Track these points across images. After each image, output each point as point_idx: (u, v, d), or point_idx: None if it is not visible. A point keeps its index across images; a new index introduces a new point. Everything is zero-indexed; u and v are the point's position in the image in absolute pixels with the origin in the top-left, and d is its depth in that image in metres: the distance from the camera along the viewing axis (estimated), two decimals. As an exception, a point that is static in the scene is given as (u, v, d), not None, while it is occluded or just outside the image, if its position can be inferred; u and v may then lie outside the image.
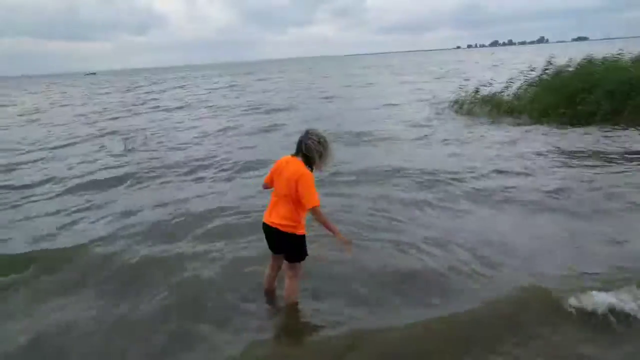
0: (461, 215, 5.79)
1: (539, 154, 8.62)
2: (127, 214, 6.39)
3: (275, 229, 3.52)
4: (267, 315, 3.83)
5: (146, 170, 8.87)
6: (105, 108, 23.07)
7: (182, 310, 3.86)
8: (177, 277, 4.36)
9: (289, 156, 3.58)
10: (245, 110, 18.42)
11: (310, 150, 3.44)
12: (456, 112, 14.22)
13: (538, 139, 9.92)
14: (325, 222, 3.44)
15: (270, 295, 3.98)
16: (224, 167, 8.98)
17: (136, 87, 45.29)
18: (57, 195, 7.58)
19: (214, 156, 9.92)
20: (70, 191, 7.77)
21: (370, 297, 3.96)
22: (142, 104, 24.26)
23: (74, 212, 6.63)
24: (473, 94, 14.37)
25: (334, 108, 17.18)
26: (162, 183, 8.06)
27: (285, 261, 3.70)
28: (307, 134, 3.50)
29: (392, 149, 10.01)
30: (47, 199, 7.43)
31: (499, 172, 7.57)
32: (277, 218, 3.52)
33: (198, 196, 7.06)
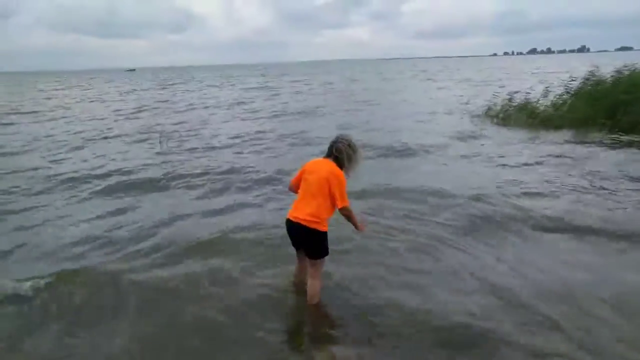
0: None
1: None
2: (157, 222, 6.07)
3: (299, 224, 3.61)
4: (291, 314, 3.90)
5: (177, 174, 8.68)
6: (143, 105, 23.69)
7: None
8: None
9: (320, 158, 3.78)
10: (277, 113, 18.36)
11: (341, 152, 3.64)
12: (491, 121, 13.97)
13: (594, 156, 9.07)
14: (353, 218, 3.70)
15: (299, 286, 4.07)
16: (256, 176, 8.41)
17: (173, 84, 46.77)
18: (83, 200, 7.35)
19: (249, 165, 9.31)
20: (102, 192, 7.65)
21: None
22: (179, 102, 24.86)
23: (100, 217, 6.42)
24: (508, 102, 14.16)
25: (366, 115, 16.67)
26: (191, 188, 7.83)
27: (308, 259, 3.80)
28: (338, 139, 3.72)
29: (428, 165, 9.06)
30: (77, 200, 7.29)
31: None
32: (302, 214, 3.62)
33: (235, 207, 6.64)
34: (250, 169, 8.95)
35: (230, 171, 8.84)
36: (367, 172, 7.28)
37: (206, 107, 21.37)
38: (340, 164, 3.65)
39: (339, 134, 3.83)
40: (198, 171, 8.84)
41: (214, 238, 5.34)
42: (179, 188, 7.85)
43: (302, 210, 3.63)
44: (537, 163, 8.77)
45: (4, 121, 17.79)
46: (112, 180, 8.34)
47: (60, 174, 8.84)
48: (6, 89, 46.56)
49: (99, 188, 7.86)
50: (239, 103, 23.54)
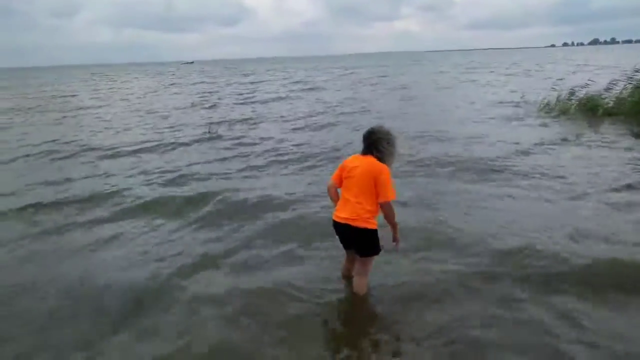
0: None
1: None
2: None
3: (346, 224, 3.56)
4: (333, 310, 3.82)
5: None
6: (205, 98, 24.48)
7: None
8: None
9: (359, 155, 3.66)
10: (336, 106, 18.23)
11: (381, 152, 3.54)
12: (552, 116, 13.54)
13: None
14: (393, 219, 3.57)
15: (347, 280, 4.05)
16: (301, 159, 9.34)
17: (229, 76, 48.39)
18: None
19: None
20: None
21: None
22: (238, 94, 25.68)
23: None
24: (569, 96, 13.89)
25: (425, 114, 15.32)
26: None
27: (357, 257, 3.77)
28: (376, 133, 3.57)
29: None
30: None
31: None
32: (347, 213, 3.56)
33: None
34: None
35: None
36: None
37: (264, 102, 22.10)
38: (381, 159, 3.54)
39: (374, 125, 3.68)
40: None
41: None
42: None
43: (348, 210, 3.57)
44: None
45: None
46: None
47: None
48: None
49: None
50: (295, 96, 24.07)
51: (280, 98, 22.63)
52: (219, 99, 23.55)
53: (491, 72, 38.02)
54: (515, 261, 4.43)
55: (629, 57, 42.29)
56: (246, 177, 8.16)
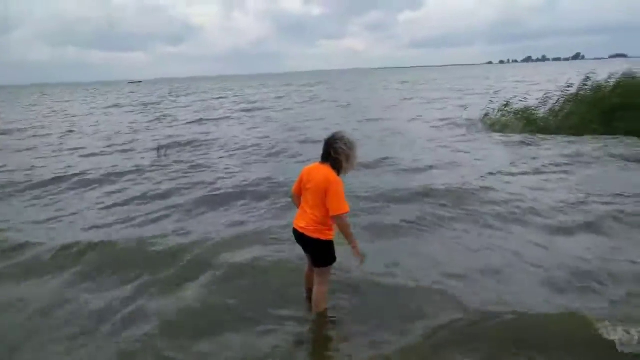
0: None
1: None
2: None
3: (302, 233, 3.60)
4: (294, 323, 3.84)
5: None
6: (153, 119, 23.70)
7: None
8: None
9: (317, 163, 3.63)
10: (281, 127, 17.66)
11: (339, 154, 3.47)
12: (490, 128, 14.07)
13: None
14: (348, 232, 3.48)
15: (309, 292, 3.99)
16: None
17: (176, 96, 46.97)
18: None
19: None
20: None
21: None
22: (180, 116, 24.76)
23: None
24: (505, 109, 14.34)
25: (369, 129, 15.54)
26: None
27: (313, 267, 3.76)
28: (335, 138, 3.52)
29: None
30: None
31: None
32: (304, 222, 3.60)
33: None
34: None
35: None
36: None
37: (204, 123, 21.38)
38: (338, 165, 3.50)
39: (334, 132, 3.61)
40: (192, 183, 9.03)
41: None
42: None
43: (304, 219, 3.61)
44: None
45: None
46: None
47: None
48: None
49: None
50: (240, 115, 23.70)
51: (224, 118, 21.90)
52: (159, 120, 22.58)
53: (435, 89, 39.25)
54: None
55: (559, 74, 45.13)
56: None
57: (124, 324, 3.88)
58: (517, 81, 42.29)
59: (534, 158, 9.60)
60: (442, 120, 16.54)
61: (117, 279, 4.71)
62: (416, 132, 14.21)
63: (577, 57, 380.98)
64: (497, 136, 12.62)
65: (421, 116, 18.13)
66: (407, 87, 44.83)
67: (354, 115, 19.74)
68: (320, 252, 3.62)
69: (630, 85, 12.11)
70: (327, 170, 3.48)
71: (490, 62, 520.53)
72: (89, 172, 9.99)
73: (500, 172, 8.47)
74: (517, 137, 11.95)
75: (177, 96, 45.68)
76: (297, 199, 3.82)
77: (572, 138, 11.22)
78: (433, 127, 15.24)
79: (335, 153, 3.47)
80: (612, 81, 12.71)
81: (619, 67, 13.67)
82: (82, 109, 32.35)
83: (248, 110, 24.98)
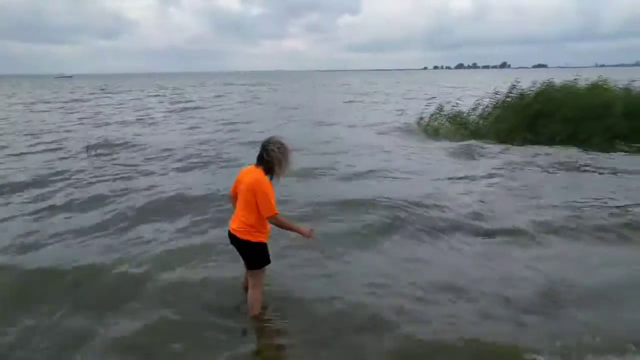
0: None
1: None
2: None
3: (234, 235, 3.65)
4: (230, 327, 3.81)
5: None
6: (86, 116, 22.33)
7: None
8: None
9: (250, 166, 3.69)
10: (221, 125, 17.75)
11: (271, 157, 3.53)
12: (425, 131, 14.64)
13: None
14: (287, 226, 3.60)
15: (246, 295, 3.97)
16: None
17: (109, 93, 44.57)
18: None
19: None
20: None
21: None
22: (119, 114, 23.59)
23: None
24: (439, 113, 14.94)
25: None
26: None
27: (246, 268, 3.79)
28: (269, 142, 3.59)
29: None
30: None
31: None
32: (235, 224, 3.66)
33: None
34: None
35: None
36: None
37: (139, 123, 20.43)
38: (271, 169, 3.57)
39: (270, 137, 3.69)
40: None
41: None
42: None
43: (236, 221, 3.67)
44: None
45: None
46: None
47: None
48: None
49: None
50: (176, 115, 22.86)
51: (159, 118, 21.03)
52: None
53: (375, 92, 40.16)
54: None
55: (489, 81, 47.73)
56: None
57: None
58: (452, 87, 44.29)
59: (469, 163, 10.10)
60: (380, 124, 16.87)
61: (35, 308, 4.13)
62: (355, 137, 14.37)
63: (504, 65, 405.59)
64: (431, 141, 13.14)
65: (362, 120, 18.35)
66: (347, 90, 45.46)
67: (293, 118, 19.74)
68: (250, 254, 3.66)
69: (549, 94, 13.03)
70: (257, 173, 3.55)
71: (425, 68, 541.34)
72: (10, 174, 9.21)
73: (438, 179, 8.66)
74: (450, 142, 12.49)
75: (110, 93, 43.41)
76: (233, 200, 3.84)
77: (502, 146, 11.59)
78: (371, 131, 15.52)
79: (268, 156, 3.54)
80: (535, 89, 13.56)
81: (541, 76, 14.62)
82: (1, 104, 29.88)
83: (185, 110, 24.23)
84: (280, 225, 3.58)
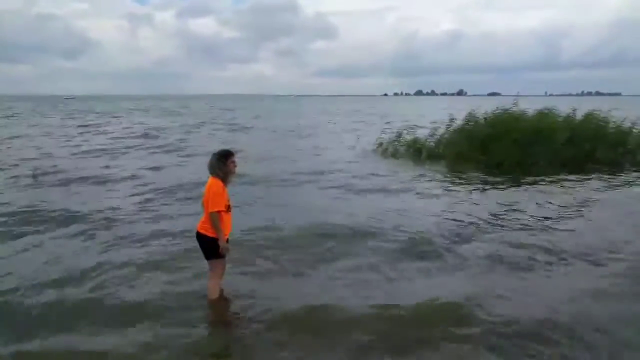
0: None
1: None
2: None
3: (197, 232, 4.33)
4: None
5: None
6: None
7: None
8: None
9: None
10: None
11: (211, 165, 4.25)
12: (381, 155, 14.90)
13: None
14: (215, 226, 4.15)
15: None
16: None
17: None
18: None
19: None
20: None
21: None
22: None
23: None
24: (397, 138, 15.17)
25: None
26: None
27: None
28: (214, 153, 4.30)
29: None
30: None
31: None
32: (199, 223, 4.32)
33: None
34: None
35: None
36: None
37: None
38: (216, 174, 4.21)
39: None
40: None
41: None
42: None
43: (201, 220, 4.32)
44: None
45: None
46: None
47: None
48: None
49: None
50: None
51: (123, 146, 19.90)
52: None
53: (337, 116, 40.24)
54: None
55: (446, 107, 49.24)
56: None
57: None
58: (411, 114, 45.29)
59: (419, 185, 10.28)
60: (345, 149, 16.91)
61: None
62: (318, 160, 14.36)
63: (460, 92, 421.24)
64: (390, 165, 13.29)
65: (327, 147, 17.88)
66: (310, 115, 45.67)
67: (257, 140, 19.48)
68: (204, 246, 4.31)
69: (499, 119, 13.50)
70: (211, 180, 4.24)
71: (385, 94, 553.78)
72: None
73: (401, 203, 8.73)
74: (407, 166, 12.73)
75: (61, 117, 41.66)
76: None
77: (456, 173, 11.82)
78: (333, 154, 15.53)
79: (210, 166, 4.27)
80: (486, 115, 13.99)
81: (494, 103, 15.10)
82: None
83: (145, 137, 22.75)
84: (213, 222, 4.15)
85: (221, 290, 4.53)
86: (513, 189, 9.92)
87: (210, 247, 4.25)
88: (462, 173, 11.53)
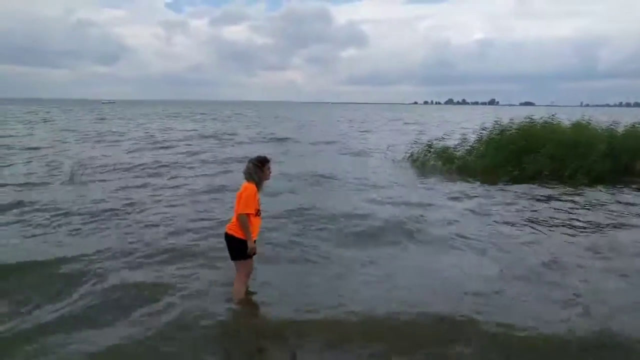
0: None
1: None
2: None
3: (225, 233, 4.48)
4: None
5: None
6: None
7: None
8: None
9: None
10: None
11: (247, 170, 4.42)
12: (412, 165, 14.74)
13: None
14: (244, 228, 4.30)
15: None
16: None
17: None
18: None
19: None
20: None
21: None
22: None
23: None
24: (427, 149, 14.90)
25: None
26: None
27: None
28: (248, 160, 4.48)
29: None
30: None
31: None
32: (228, 224, 4.49)
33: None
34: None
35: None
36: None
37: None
38: (251, 179, 4.38)
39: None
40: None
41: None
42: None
43: (230, 221, 4.49)
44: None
45: None
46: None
47: None
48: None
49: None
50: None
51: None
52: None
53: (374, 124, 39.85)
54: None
55: (479, 116, 48.37)
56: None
57: None
58: (445, 121, 44.55)
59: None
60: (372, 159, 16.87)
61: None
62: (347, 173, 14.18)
63: (492, 102, 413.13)
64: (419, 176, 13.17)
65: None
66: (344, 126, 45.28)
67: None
68: (231, 246, 4.45)
69: (532, 131, 13.22)
70: (244, 184, 4.41)
71: (415, 102, 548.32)
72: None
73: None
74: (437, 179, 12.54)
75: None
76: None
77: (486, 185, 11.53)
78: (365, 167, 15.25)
79: (247, 171, 4.43)
80: (518, 126, 13.65)
81: (528, 113, 14.80)
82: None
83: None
84: (242, 225, 4.30)
85: (247, 291, 4.69)
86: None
87: (238, 248, 4.39)
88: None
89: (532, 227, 7.65)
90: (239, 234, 4.34)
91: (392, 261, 6.00)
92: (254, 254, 4.46)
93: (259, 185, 4.42)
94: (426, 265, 5.86)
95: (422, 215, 8.21)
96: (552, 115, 14.01)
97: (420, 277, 5.46)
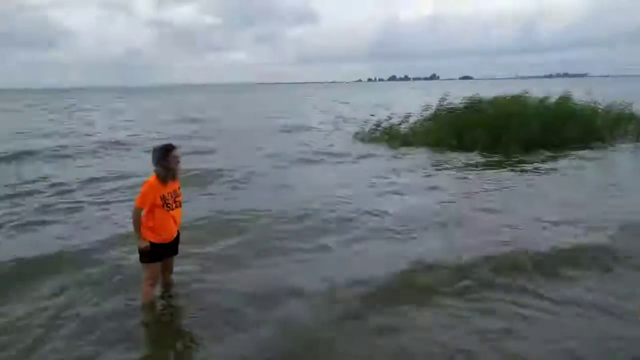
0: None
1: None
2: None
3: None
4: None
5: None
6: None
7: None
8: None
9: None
10: None
11: (153, 158, 4.04)
12: (361, 140, 15.15)
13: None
14: (133, 223, 3.99)
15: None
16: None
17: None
18: None
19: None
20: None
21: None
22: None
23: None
24: (375, 127, 15.39)
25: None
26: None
27: None
28: (152, 149, 4.14)
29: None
30: None
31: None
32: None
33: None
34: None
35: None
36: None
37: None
38: (157, 171, 4.00)
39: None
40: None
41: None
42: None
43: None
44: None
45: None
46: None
47: None
48: None
49: None
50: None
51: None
52: None
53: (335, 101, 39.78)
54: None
55: (423, 93, 49.46)
56: None
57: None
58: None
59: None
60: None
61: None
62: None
63: (433, 77, 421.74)
64: (369, 150, 13.55)
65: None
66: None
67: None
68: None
69: (476, 107, 13.99)
70: (148, 178, 4.06)
71: (360, 80, 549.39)
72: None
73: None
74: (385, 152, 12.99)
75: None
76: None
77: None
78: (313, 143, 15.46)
79: (152, 159, 4.07)
80: (463, 103, 14.43)
81: (467, 87, 15.45)
82: None
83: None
84: (133, 219, 3.99)
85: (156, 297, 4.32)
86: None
87: (139, 252, 4.08)
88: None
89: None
90: (144, 235, 3.99)
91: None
92: (148, 254, 4.02)
93: (166, 175, 3.99)
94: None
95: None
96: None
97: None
